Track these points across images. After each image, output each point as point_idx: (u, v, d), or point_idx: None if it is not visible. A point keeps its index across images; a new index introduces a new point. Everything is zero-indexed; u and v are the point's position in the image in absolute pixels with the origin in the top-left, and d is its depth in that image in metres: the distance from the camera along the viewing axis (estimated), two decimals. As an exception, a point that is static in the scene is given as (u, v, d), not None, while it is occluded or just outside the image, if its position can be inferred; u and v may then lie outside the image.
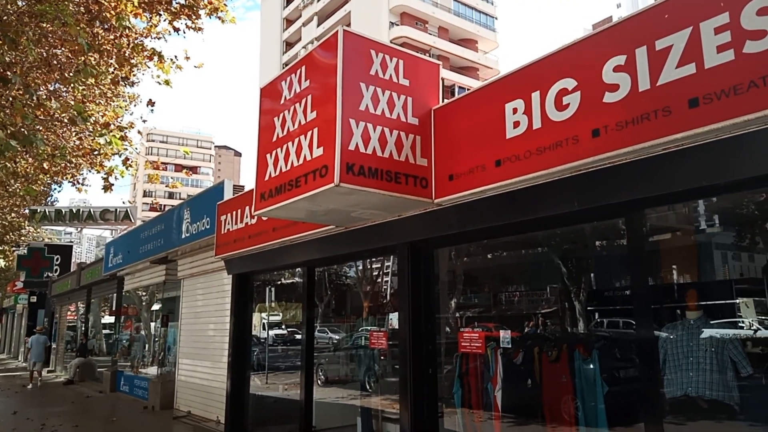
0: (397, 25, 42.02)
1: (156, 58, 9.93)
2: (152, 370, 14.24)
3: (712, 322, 4.79)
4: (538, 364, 5.67)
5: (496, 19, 48.55)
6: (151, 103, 10.78)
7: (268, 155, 5.60)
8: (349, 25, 39.55)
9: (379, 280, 9.18)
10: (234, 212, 8.66)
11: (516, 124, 4.50)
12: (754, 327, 5.92)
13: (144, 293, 16.50)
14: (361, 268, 9.62)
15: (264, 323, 10.15)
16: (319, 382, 9.11)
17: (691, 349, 4.50)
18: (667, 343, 4.60)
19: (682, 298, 5.05)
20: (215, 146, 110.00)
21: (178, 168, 76.96)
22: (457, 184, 5.00)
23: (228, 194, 9.52)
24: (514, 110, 4.52)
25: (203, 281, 11.18)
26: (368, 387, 7.75)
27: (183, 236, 10.92)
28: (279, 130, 5.47)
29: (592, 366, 5.16)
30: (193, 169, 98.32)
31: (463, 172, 4.95)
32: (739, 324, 6.01)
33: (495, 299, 8.43)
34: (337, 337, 9.92)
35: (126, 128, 11.12)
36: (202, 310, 11.14)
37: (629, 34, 3.77)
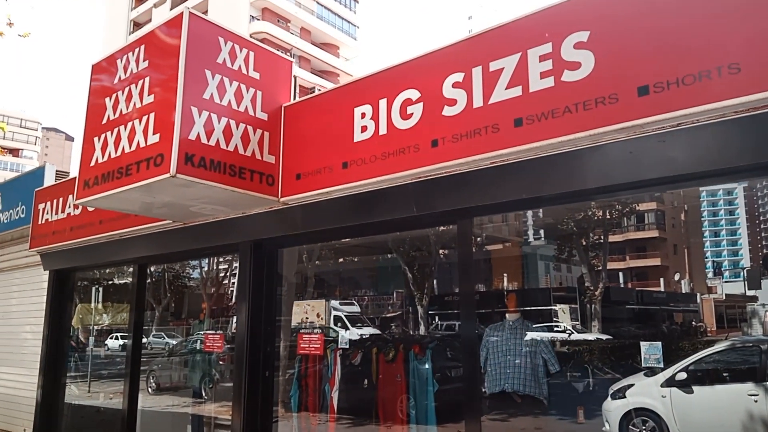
0: (258, 19, 40.91)
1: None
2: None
3: (529, 324, 5.27)
4: (375, 364, 5.80)
5: (358, 28, 49.52)
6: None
7: (96, 138, 5.06)
8: (206, 12, 37.67)
9: (226, 281, 8.79)
10: (55, 201, 7.74)
11: (364, 129, 4.57)
12: (569, 331, 6.64)
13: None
14: (207, 269, 9.13)
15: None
16: (150, 389, 8.47)
17: (509, 348, 4.92)
18: (488, 343, 4.97)
19: (504, 302, 5.50)
20: (43, 128, 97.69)
21: (-5, 148, 67.06)
22: (304, 184, 4.96)
23: (49, 180, 8.53)
24: (363, 115, 4.60)
25: (16, 277, 9.88)
26: (205, 393, 7.37)
27: (-9, 225, 9.56)
28: (111, 111, 4.98)
29: (425, 365, 5.40)
30: (15, 152, 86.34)
31: (310, 171, 4.92)
32: (555, 328, 6.71)
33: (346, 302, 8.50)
34: (174, 342, 9.30)
35: None
36: (15, 310, 9.84)
37: (468, 53, 4.03)
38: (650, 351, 3.51)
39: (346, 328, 7.41)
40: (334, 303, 7.62)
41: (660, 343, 3.54)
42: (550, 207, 5.62)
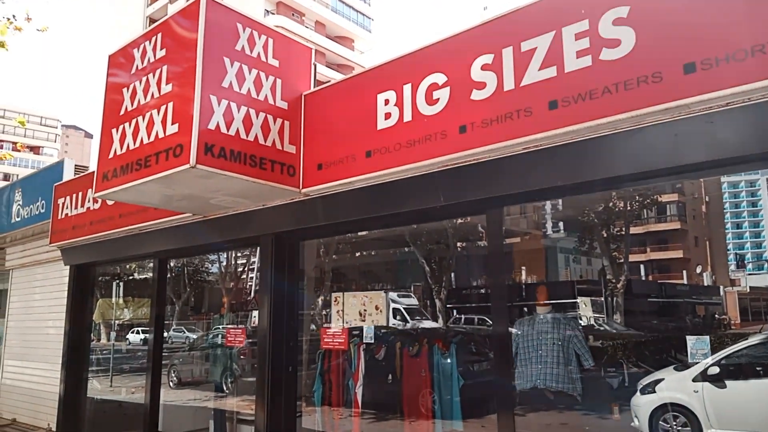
0: (273, 14, 40.88)
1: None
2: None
3: (561, 317, 5.08)
4: (399, 359, 5.68)
5: (373, 20, 49.29)
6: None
7: (114, 130, 4.97)
8: (222, 7, 37.60)
9: (244, 276, 8.75)
10: (74, 195, 7.72)
11: (387, 116, 4.41)
12: (590, 324, 6.48)
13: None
14: (225, 263, 9.10)
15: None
16: (171, 384, 8.47)
17: (540, 342, 4.74)
18: (518, 338, 4.80)
19: (532, 295, 5.32)
20: (63, 125, 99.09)
21: (16, 147, 68.25)
22: (326, 174, 4.82)
23: (68, 175, 8.52)
24: (386, 101, 4.44)
25: (38, 272, 9.94)
26: (225, 388, 7.34)
27: (13, 221, 9.74)
28: (128, 102, 4.88)
29: (449, 360, 5.27)
30: (35, 149, 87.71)
31: (332, 161, 4.77)
32: (579, 321, 6.54)
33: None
34: (194, 336, 9.29)
35: None
36: (37, 305, 9.91)
37: (497, 33, 3.83)
38: (697, 345, 3.32)
39: (405, 321, 7.27)
40: (393, 295, 7.34)
41: (708, 337, 3.34)
42: (579, 196, 5.40)
